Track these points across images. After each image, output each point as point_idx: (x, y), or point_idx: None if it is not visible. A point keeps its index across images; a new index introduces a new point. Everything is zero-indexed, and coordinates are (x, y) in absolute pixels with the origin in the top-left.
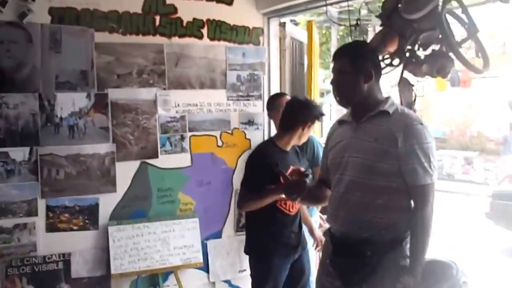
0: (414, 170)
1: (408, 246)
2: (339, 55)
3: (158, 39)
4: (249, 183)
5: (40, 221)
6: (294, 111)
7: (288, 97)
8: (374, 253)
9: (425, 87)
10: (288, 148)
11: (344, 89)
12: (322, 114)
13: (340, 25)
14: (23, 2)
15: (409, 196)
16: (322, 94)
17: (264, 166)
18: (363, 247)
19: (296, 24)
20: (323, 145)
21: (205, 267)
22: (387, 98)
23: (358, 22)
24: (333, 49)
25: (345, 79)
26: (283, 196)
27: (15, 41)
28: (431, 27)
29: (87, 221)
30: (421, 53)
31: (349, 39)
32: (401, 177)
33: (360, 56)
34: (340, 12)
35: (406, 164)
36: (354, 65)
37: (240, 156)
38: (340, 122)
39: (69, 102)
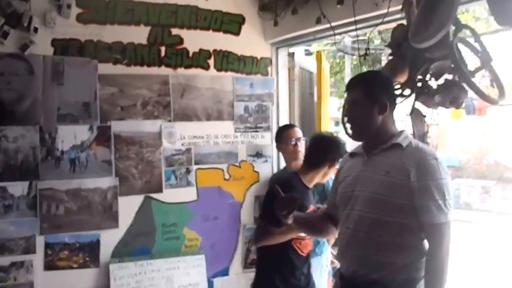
0: (427, 208)
1: None
2: (352, 85)
3: (163, 70)
4: (269, 216)
5: (38, 258)
6: (323, 149)
7: (297, 129)
8: None
9: (439, 115)
10: (311, 186)
11: (357, 120)
12: (346, 152)
13: (351, 54)
14: (25, 34)
15: (423, 235)
16: (337, 123)
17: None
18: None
19: (310, 53)
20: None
21: None
22: (401, 132)
23: (368, 52)
24: (347, 78)
25: (358, 110)
26: (302, 234)
27: (17, 73)
28: (442, 56)
29: (87, 259)
30: (433, 83)
31: (363, 69)
32: (414, 214)
33: (374, 87)
34: (354, 42)
35: (419, 201)
36: (369, 96)
37: (248, 189)
38: (352, 154)
39: (71, 135)
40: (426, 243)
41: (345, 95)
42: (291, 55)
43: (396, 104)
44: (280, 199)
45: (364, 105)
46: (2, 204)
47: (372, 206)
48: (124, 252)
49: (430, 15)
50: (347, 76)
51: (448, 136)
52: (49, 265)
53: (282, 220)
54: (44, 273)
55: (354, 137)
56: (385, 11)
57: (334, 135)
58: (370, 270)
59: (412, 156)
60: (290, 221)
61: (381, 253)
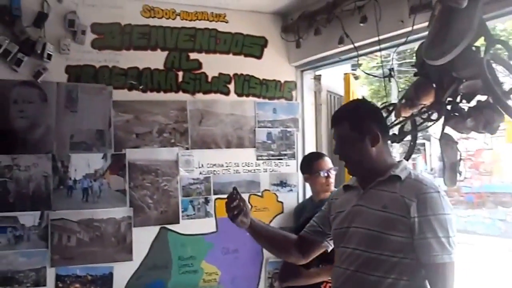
0: (429, 245)
1: None
2: (336, 120)
3: (180, 96)
4: None
5: None
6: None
7: (327, 159)
8: None
9: (493, 138)
10: None
11: (350, 157)
12: None
13: (375, 76)
14: (39, 61)
15: (425, 276)
16: None
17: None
18: None
19: (357, 78)
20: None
21: None
22: (399, 162)
23: (392, 73)
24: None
25: (348, 146)
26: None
27: (30, 100)
28: (472, 75)
29: None
30: (465, 106)
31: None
32: (414, 253)
33: (360, 118)
34: (400, 64)
35: (420, 238)
36: (356, 129)
37: (271, 220)
38: (346, 187)
39: (84, 164)
40: (426, 285)
41: (332, 131)
42: (318, 78)
43: (389, 132)
44: (228, 199)
45: (354, 139)
46: (13, 234)
47: (367, 243)
48: (138, 286)
49: (445, 28)
50: (394, 99)
51: (504, 161)
52: None
53: (235, 224)
54: None
55: (351, 174)
56: (409, 29)
57: None
58: None
59: (412, 189)
60: (245, 226)
61: None
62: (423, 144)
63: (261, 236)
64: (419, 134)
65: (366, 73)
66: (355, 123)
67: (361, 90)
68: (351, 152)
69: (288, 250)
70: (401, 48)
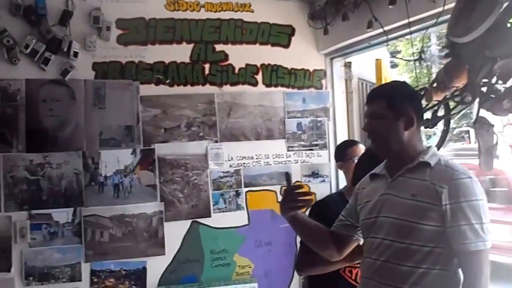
0: (462, 233)
1: None
2: (373, 97)
3: (208, 89)
4: None
5: (84, 286)
6: (368, 167)
7: (361, 145)
8: None
9: None
10: None
11: (381, 135)
12: None
13: (407, 60)
14: (66, 59)
15: (458, 264)
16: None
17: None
18: None
19: (395, 65)
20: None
21: None
22: (428, 148)
23: (423, 56)
24: None
25: (381, 124)
26: (350, 263)
27: (58, 99)
28: (508, 53)
29: (134, 287)
30: (501, 86)
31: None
32: (446, 241)
33: (399, 99)
34: (441, 50)
35: (452, 225)
36: (392, 109)
37: (304, 212)
38: (373, 176)
39: (114, 160)
40: (460, 274)
41: (365, 108)
42: (348, 65)
43: (423, 118)
44: (288, 190)
45: (388, 119)
46: (48, 231)
47: (397, 233)
48: (171, 280)
49: (471, 3)
50: None
51: None
52: None
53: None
54: None
55: (378, 154)
56: (441, 9)
57: None
58: None
59: (443, 175)
60: (289, 213)
61: (409, 286)
62: (467, 132)
63: (303, 228)
64: (463, 121)
65: (393, 55)
66: (392, 102)
67: (400, 78)
68: (382, 130)
69: (326, 244)
70: (433, 29)
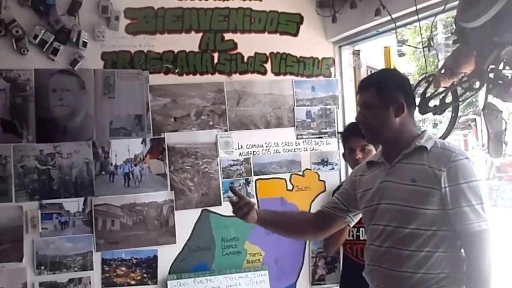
0: (464, 214)
1: None
2: (363, 86)
3: (217, 78)
4: None
5: (95, 275)
6: None
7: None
8: None
9: None
10: None
11: (372, 125)
12: None
13: (414, 47)
14: (75, 49)
15: (460, 246)
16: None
17: None
18: None
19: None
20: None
21: None
22: (423, 132)
23: (432, 43)
24: None
25: (372, 113)
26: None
27: (68, 88)
28: None
29: (145, 275)
30: (509, 73)
31: None
32: (448, 224)
33: (388, 86)
34: (447, 38)
35: (453, 207)
36: (382, 97)
37: (313, 200)
38: (370, 163)
39: (124, 149)
40: (463, 255)
41: (357, 97)
42: (357, 53)
43: (415, 103)
44: (233, 202)
45: (378, 107)
46: (59, 220)
47: (399, 219)
48: (182, 268)
49: None
50: None
51: None
52: (107, 282)
53: (245, 221)
54: None
55: (369, 141)
56: None
57: None
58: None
59: (440, 158)
60: (254, 220)
61: (412, 269)
62: (474, 120)
63: (272, 225)
64: (469, 110)
65: (400, 42)
66: (381, 90)
67: (407, 66)
68: (372, 119)
69: (301, 230)
70: (439, 17)
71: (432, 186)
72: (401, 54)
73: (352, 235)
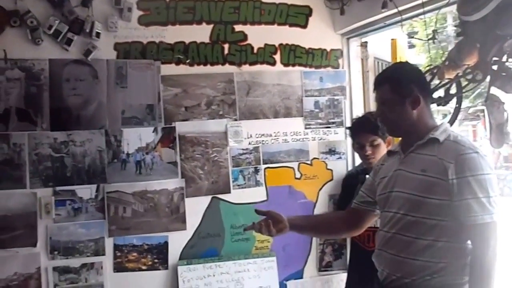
0: (468, 206)
1: None
2: (378, 83)
3: (227, 68)
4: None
5: (107, 260)
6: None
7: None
8: None
9: None
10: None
11: (390, 119)
12: None
13: (419, 39)
14: (88, 39)
15: (465, 237)
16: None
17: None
18: None
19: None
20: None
21: None
22: (440, 125)
23: (436, 36)
24: None
25: (389, 108)
26: None
27: (81, 78)
28: None
29: (156, 261)
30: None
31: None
32: (453, 215)
33: (402, 81)
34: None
35: (459, 199)
36: (397, 92)
37: (321, 188)
38: (389, 153)
39: (136, 137)
40: (468, 246)
41: (374, 93)
42: (364, 45)
43: (431, 95)
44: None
45: (394, 102)
46: (72, 207)
47: (408, 207)
48: (192, 253)
49: None
50: None
51: None
52: (119, 267)
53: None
54: (114, 275)
55: (389, 134)
56: None
57: None
58: (403, 274)
59: (450, 151)
60: (286, 230)
61: (414, 256)
62: (483, 110)
63: (305, 229)
64: (479, 101)
65: (410, 36)
66: (395, 86)
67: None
68: (391, 115)
69: (336, 230)
70: (448, 9)
71: (440, 177)
72: (411, 46)
73: None
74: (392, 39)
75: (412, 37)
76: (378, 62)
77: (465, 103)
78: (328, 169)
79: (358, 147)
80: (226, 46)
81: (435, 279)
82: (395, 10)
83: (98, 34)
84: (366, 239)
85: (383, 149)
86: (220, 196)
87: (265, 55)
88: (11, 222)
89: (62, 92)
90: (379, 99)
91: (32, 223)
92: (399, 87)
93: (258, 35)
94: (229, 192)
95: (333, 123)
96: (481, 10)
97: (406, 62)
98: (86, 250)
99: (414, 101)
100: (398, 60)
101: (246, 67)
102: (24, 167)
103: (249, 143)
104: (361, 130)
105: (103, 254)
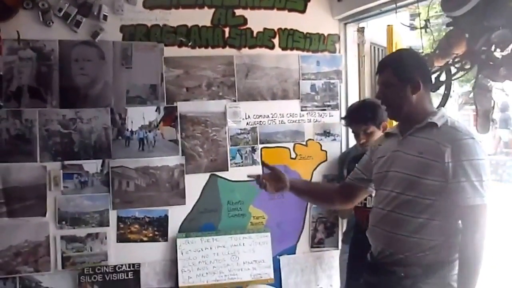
0: (462, 188)
1: (453, 272)
2: (381, 67)
3: (227, 51)
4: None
5: (111, 231)
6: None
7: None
8: (408, 276)
9: None
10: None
11: (391, 102)
12: None
13: (412, 28)
14: (96, 22)
15: (457, 217)
16: None
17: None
18: (395, 268)
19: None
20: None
21: (277, 284)
22: (438, 110)
23: (428, 24)
24: None
25: (390, 92)
26: None
27: (89, 59)
28: (504, 23)
29: (156, 233)
30: (499, 54)
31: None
32: (447, 196)
33: (404, 66)
34: None
35: (453, 181)
36: (399, 76)
37: (315, 168)
38: (387, 134)
39: (139, 116)
40: (459, 226)
41: (377, 77)
42: (361, 30)
43: (431, 81)
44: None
45: (396, 86)
46: (79, 180)
47: (404, 186)
48: (191, 227)
49: None
50: None
51: None
52: (121, 238)
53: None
54: (117, 245)
55: (390, 117)
56: None
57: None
58: (396, 250)
59: (447, 135)
60: (286, 189)
61: (408, 233)
62: None
63: (303, 193)
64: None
65: (404, 25)
66: (397, 70)
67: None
68: (392, 98)
69: (330, 199)
70: None
71: (437, 159)
72: (413, 28)
73: (360, 202)
74: (388, 25)
75: (404, 25)
76: (374, 47)
77: (466, 88)
78: (323, 150)
79: (354, 135)
80: (226, 29)
81: (427, 256)
82: None
83: (105, 17)
84: (365, 217)
85: (378, 135)
86: (218, 173)
87: (264, 39)
88: (22, 193)
89: (70, 71)
90: (381, 82)
91: (41, 194)
92: (401, 71)
93: (258, 20)
94: (227, 169)
95: (328, 106)
96: (463, 7)
97: (410, 49)
98: (91, 221)
99: (415, 86)
100: (394, 45)
101: (245, 50)
102: (35, 142)
103: (247, 124)
104: (354, 121)
105: (107, 225)
